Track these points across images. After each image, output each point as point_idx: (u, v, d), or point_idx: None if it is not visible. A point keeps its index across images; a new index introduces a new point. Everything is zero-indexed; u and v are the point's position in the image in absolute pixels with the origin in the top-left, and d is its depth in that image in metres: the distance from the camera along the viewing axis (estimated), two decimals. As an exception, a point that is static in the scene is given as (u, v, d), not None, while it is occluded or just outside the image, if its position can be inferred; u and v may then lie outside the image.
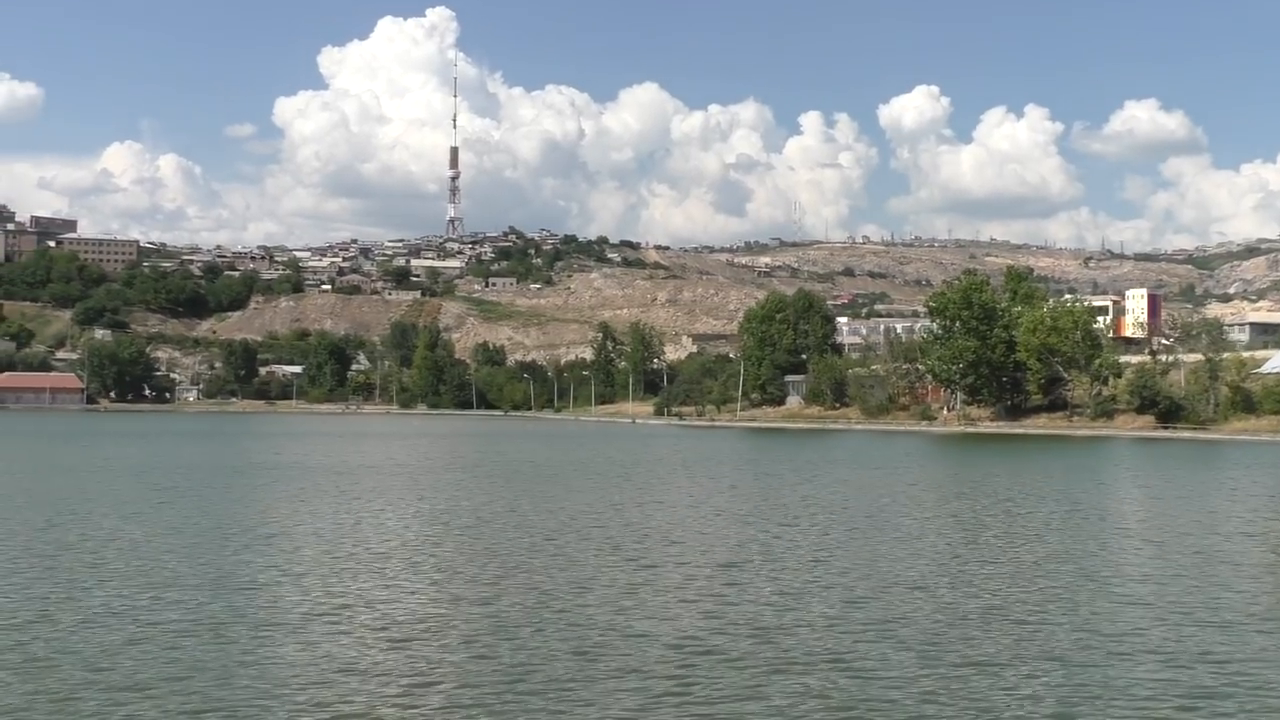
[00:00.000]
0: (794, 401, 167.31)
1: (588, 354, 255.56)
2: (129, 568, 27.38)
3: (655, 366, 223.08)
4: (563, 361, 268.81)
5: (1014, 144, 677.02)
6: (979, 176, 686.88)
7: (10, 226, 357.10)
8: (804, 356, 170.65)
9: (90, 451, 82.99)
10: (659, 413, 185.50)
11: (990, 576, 26.66)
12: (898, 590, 24.90)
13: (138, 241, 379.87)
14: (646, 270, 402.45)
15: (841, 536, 34.06)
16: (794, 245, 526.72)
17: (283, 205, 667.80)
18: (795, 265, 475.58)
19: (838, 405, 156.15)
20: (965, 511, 41.29)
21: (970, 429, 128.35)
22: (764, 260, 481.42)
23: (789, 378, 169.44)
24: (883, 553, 30.37)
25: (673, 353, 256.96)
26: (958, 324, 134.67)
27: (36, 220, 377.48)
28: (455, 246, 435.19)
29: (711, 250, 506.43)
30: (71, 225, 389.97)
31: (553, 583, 25.75)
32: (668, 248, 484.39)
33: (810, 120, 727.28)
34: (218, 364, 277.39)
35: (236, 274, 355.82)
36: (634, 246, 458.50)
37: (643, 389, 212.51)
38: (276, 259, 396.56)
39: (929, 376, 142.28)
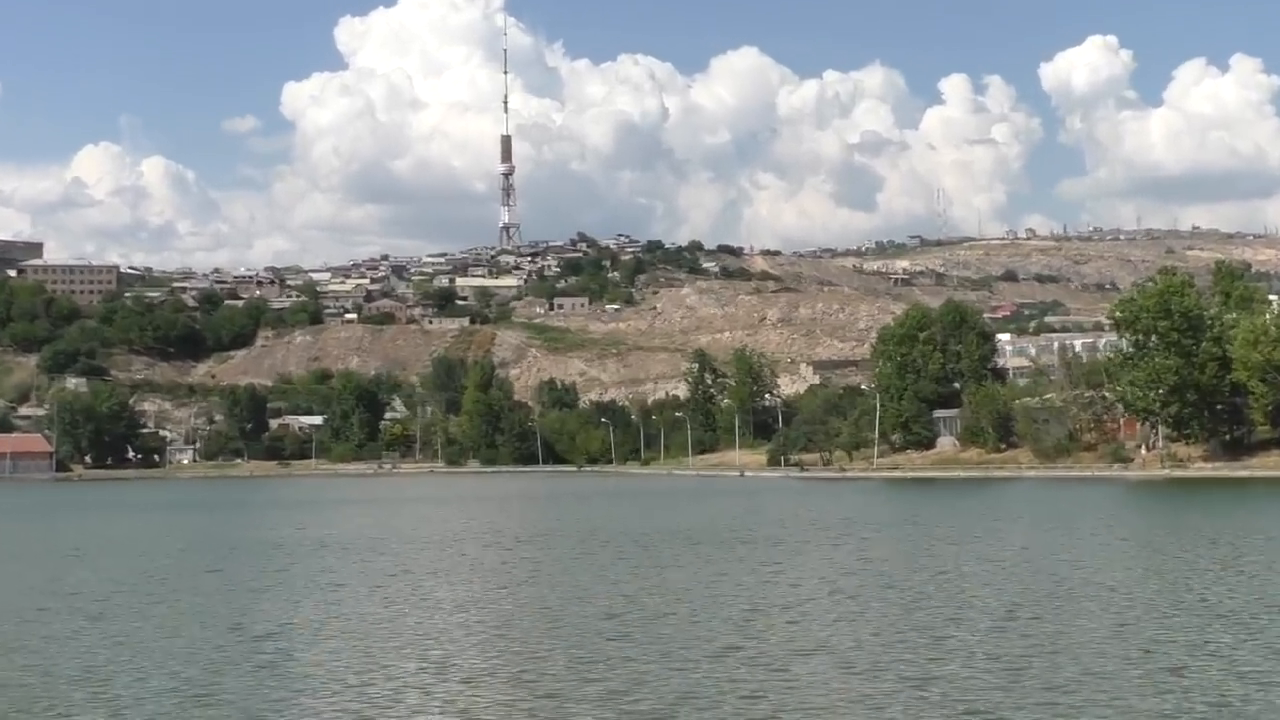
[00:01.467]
0: (946, 443, 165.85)
1: (681, 390, 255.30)
2: None
3: (767, 403, 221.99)
4: (650, 401, 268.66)
5: (1218, 105, 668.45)
6: (1173, 149, 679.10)
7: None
8: (957, 385, 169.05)
9: (57, 533, 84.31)
10: (774, 462, 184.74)
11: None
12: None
13: (118, 267, 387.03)
14: (752, 282, 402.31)
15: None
16: (938, 244, 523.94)
17: (295, 216, 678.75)
18: (941, 269, 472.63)
19: (1003, 446, 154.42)
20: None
21: (1178, 472, 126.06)
22: (901, 265, 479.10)
23: (938, 413, 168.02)
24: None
25: (789, 385, 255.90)
26: (1154, 338, 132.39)
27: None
28: (511, 260, 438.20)
29: (834, 254, 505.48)
30: (36, 249, 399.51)
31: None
32: (778, 253, 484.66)
33: (954, 86, 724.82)
34: (218, 417, 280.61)
35: (240, 303, 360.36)
36: (735, 253, 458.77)
37: (752, 432, 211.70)
38: (289, 283, 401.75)
39: (1120, 406, 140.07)
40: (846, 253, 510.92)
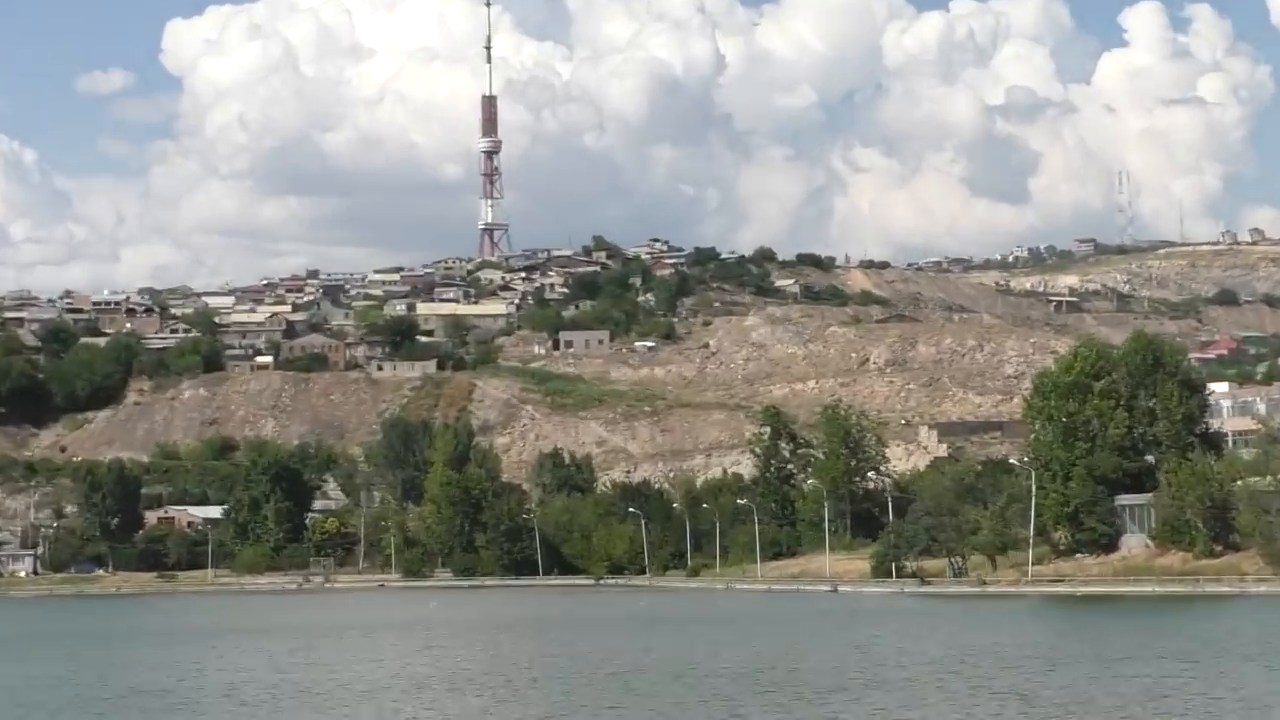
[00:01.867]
0: (1134, 543, 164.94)
1: (745, 467, 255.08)
2: None
3: (871, 486, 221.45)
4: (700, 482, 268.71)
5: None
6: None
7: None
8: (1150, 459, 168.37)
9: None
10: (881, 571, 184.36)
11: None
12: None
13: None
14: (848, 308, 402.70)
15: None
16: (1121, 252, 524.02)
17: (183, 214, 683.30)
18: (1126, 289, 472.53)
19: (1218, 548, 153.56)
20: None
21: None
22: (1066, 282, 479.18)
23: (1122, 500, 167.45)
24: None
25: (903, 459, 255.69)
26: None
27: None
28: (497, 277, 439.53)
29: (967, 266, 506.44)
30: None
31: None
32: (885, 265, 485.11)
33: (1141, 19, 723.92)
34: (70, 508, 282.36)
35: (102, 342, 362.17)
36: (823, 266, 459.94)
37: (848, 527, 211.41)
38: (174, 311, 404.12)
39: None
40: (986, 264, 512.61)
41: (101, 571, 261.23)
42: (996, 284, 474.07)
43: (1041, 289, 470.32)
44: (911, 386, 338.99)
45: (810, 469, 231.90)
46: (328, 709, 60.52)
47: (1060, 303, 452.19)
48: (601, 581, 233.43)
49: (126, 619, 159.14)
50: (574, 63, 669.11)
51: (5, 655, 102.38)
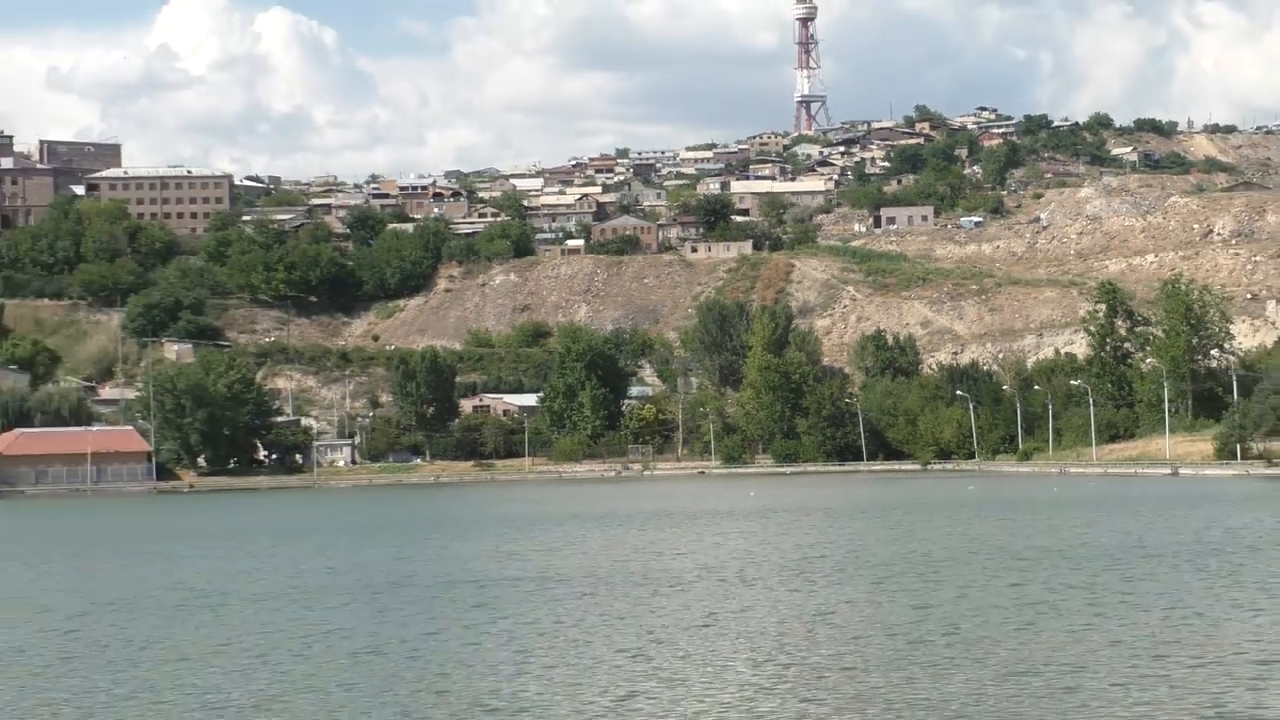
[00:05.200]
0: None
1: (1080, 347, 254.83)
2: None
3: (1215, 364, 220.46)
4: (1031, 363, 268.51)
5: None
6: None
7: (7, 162, 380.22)
8: None
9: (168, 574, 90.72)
10: (1224, 453, 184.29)
11: None
12: None
13: (230, 177, 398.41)
14: (1192, 175, 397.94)
15: None
16: None
17: (486, 93, 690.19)
18: None
19: None
20: None
21: None
22: None
23: None
24: None
25: (1251, 336, 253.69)
26: None
27: (51, 149, 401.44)
28: (816, 153, 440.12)
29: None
30: (112, 153, 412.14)
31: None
32: (1232, 129, 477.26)
33: None
34: (385, 397, 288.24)
35: (410, 228, 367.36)
36: (1164, 131, 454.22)
37: (1190, 408, 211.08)
38: (482, 195, 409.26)
39: None
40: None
41: (419, 460, 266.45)
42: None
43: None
44: (1259, 259, 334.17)
45: (1149, 347, 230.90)
46: (660, 593, 64.19)
47: None
48: (928, 467, 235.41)
49: (452, 507, 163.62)
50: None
51: (347, 541, 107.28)
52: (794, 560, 77.42)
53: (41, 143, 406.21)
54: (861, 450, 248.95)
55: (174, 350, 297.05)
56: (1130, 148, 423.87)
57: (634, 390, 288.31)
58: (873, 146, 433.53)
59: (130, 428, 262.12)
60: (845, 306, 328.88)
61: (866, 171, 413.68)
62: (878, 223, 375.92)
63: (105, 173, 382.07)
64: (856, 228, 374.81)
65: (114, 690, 41.44)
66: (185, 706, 38.39)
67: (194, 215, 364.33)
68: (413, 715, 35.88)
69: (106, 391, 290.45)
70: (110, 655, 48.86)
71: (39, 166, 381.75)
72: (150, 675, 43.92)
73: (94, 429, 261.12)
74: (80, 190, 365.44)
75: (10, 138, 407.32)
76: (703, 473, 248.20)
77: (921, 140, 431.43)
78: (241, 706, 38.16)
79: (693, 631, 49.87)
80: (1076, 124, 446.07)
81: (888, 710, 35.07)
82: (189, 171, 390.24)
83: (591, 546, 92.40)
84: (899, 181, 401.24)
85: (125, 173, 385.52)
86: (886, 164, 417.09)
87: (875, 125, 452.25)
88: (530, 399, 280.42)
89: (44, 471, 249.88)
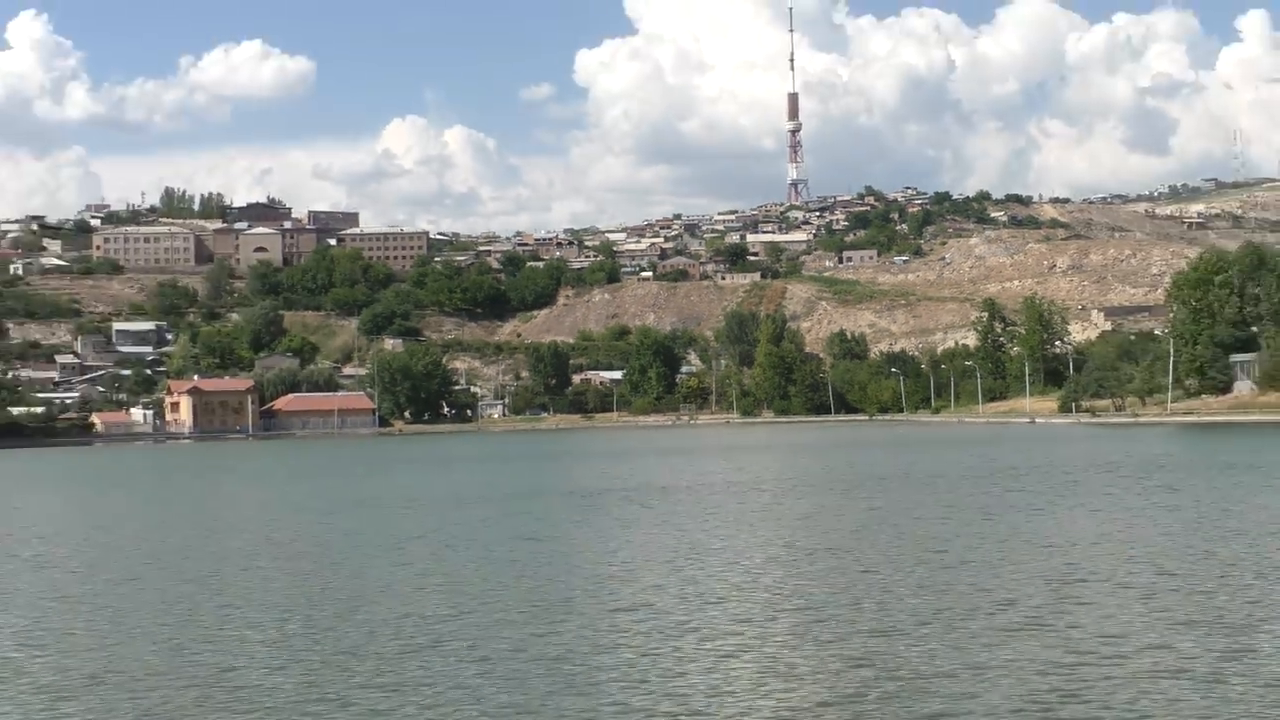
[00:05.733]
0: (1243, 388, 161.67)
1: (971, 339, 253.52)
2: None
3: (1058, 351, 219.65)
4: (939, 350, 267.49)
5: None
6: None
7: (287, 225, 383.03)
8: (1255, 330, 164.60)
9: (416, 479, 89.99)
10: (1064, 409, 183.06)
11: None
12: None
13: (427, 233, 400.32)
14: (1041, 230, 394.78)
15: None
16: (1235, 186, 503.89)
17: (590, 178, 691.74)
18: (1238, 212, 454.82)
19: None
20: None
21: None
22: (1195, 209, 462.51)
23: (1235, 358, 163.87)
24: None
25: (1080, 332, 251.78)
26: None
27: (314, 216, 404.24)
28: (800, 216, 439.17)
29: (1125, 200, 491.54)
30: (353, 218, 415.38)
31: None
32: (1067, 200, 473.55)
33: (1253, 23, 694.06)
34: (524, 373, 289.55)
35: (541, 264, 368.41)
36: (1024, 202, 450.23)
37: (1043, 380, 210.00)
38: (587, 244, 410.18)
39: None
40: (1139, 198, 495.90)
41: (545, 414, 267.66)
42: (1146, 212, 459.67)
43: (1178, 214, 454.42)
44: (1086, 284, 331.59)
45: (1015, 340, 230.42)
46: (705, 501, 63.06)
47: (1191, 224, 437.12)
48: (874, 418, 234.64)
49: (568, 445, 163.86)
50: (850, 69, 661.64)
51: (502, 468, 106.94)
52: (789, 478, 76.18)
53: (309, 212, 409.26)
54: (830, 407, 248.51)
55: (390, 343, 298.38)
56: (1002, 212, 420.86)
57: (684, 369, 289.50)
58: (838, 212, 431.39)
59: (362, 393, 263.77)
60: (820, 314, 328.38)
61: (834, 228, 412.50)
62: (841, 260, 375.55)
63: (348, 231, 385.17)
64: (827, 264, 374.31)
65: (355, 557, 40.20)
66: (392, 568, 37.08)
67: (404, 257, 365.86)
68: (547, 578, 34.35)
69: (347, 370, 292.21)
70: (356, 540, 47.46)
71: (307, 227, 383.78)
72: (373, 551, 42.54)
73: (339, 394, 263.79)
74: (333, 242, 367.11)
75: (289, 209, 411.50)
76: (728, 422, 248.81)
77: (868, 208, 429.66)
78: (434, 570, 36.78)
79: (724, 523, 48.38)
80: (968, 197, 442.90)
81: (846, 565, 33.62)
82: (401, 230, 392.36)
83: (659, 468, 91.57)
84: (854, 234, 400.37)
85: (361, 231, 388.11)
86: (846, 223, 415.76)
87: (839, 198, 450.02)
88: (617, 374, 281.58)
89: (307, 421, 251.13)
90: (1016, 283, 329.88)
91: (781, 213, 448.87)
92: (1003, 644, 24.51)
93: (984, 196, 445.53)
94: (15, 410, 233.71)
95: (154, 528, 56.83)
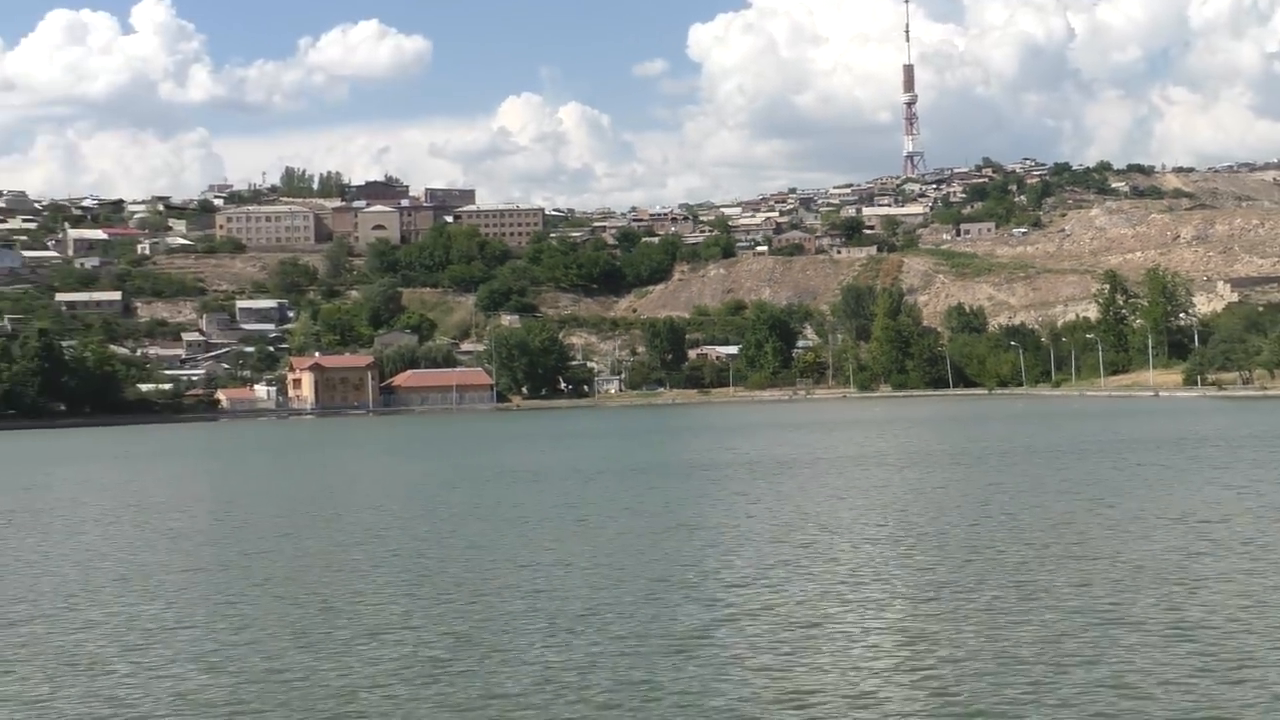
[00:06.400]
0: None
1: (1091, 312, 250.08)
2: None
3: (1182, 323, 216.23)
4: (1059, 323, 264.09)
5: None
6: None
7: (404, 202, 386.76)
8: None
9: (536, 456, 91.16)
10: (1189, 382, 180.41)
11: None
12: None
13: (543, 209, 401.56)
14: (1164, 200, 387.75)
15: None
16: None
17: (705, 153, 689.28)
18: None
19: None
20: None
21: None
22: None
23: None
24: None
25: (1205, 304, 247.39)
26: None
27: (431, 194, 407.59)
28: (916, 189, 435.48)
29: (1253, 168, 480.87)
30: (469, 196, 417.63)
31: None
32: (1191, 169, 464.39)
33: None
34: (640, 348, 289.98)
35: (655, 240, 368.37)
36: (1146, 171, 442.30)
37: (1166, 353, 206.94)
38: (701, 219, 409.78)
39: None
40: (1266, 166, 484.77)
41: (661, 389, 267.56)
42: (1274, 180, 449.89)
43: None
44: (1211, 255, 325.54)
45: (1137, 313, 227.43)
46: (827, 475, 63.31)
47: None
48: (992, 392, 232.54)
49: (683, 419, 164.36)
50: (966, 39, 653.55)
51: (620, 443, 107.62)
52: (910, 451, 76.17)
53: (426, 190, 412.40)
54: (948, 381, 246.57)
55: (507, 319, 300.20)
56: (1124, 182, 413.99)
57: (800, 343, 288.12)
58: (955, 184, 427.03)
59: (480, 369, 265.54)
60: (937, 288, 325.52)
61: (950, 201, 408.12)
62: (958, 233, 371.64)
63: (465, 208, 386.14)
64: (944, 237, 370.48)
65: (478, 528, 41.24)
66: (522, 543, 38.00)
67: (520, 234, 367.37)
68: (673, 553, 35.06)
69: (465, 346, 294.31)
70: (479, 511, 48.53)
71: (424, 205, 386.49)
72: (501, 525, 43.53)
73: (457, 370, 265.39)
74: (450, 219, 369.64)
75: (406, 187, 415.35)
76: (845, 396, 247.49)
77: (986, 180, 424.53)
78: (565, 533, 37.62)
79: (847, 497, 48.75)
80: (1088, 167, 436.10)
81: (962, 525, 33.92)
82: (517, 207, 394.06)
83: (778, 443, 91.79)
84: (972, 206, 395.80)
85: (478, 208, 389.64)
86: (963, 195, 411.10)
87: (956, 170, 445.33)
88: (733, 349, 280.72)
89: (426, 397, 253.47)
90: (1139, 254, 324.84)
91: (897, 186, 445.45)
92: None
93: (1105, 167, 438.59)
94: (144, 387, 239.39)
95: (303, 500, 58.37)
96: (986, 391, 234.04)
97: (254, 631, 26.83)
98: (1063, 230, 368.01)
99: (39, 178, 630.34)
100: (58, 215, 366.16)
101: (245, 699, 21.59)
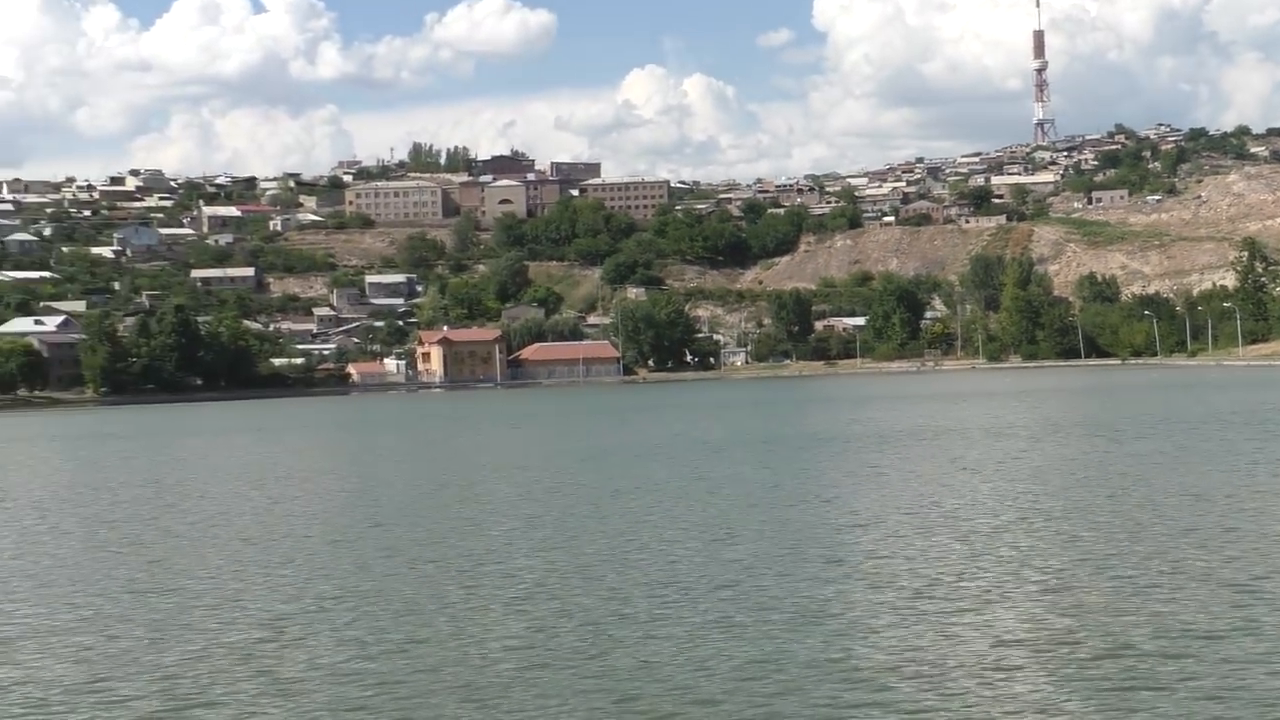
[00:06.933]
0: None
1: (1229, 280, 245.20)
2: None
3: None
4: (1195, 292, 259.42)
5: None
6: None
7: (530, 176, 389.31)
8: None
9: (662, 427, 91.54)
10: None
11: None
12: None
13: (667, 182, 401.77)
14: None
15: None
16: None
17: (830, 124, 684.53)
18: None
19: None
20: None
21: None
22: None
23: None
24: None
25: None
26: None
27: (557, 167, 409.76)
28: (1046, 156, 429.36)
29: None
30: (594, 169, 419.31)
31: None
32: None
33: None
34: (766, 320, 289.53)
35: (781, 211, 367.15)
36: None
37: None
38: (827, 189, 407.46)
39: None
40: None
41: (788, 361, 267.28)
42: None
43: None
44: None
45: (1278, 281, 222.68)
46: (946, 444, 62.84)
47: None
48: (1126, 362, 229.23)
49: (810, 391, 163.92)
50: (1099, 2, 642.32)
51: (746, 413, 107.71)
52: (1043, 422, 75.34)
53: (551, 164, 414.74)
54: (1080, 351, 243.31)
55: (633, 292, 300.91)
56: (1263, 147, 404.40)
57: (928, 314, 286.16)
58: (1086, 151, 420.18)
59: (606, 342, 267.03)
60: (1068, 257, 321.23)
61: (1082, 169, 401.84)
62: (1090, 201, 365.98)
63: (590, 181, 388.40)
64: (1075, 205, 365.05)
65: (609, 499, 41.55)
66: (657, 511, 38.21)
67: (645, 207, 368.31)
68: (803, 524, 35.06)
69: (591, 319, 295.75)
70: (609, 485, 48.82)
71: (550, 178, 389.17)
72: (635, 495, 43.76)
73: (583, 343, 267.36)
74: (575, 193, 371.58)
75: (533, 161, 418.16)
76: (974, 367, 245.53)
77: (1119, 146, 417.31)
78: (703, 505, 37.75)
79: (982, 466, 48.35)
80: (1225, 132, 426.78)
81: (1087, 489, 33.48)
82: (642, 179, 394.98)
83: (907, 414, 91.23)
84: (1104, 174, 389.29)
85: (603, 181, 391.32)
86: (1095, 163, 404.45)
87: (1088, 137, 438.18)
88: (859, 321, 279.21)
89: (552, 370, 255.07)
90: (1278, 221, 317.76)
91: (1027, 154, 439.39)
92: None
93: (1243, 131, 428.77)
94: (277, 362, 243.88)
95: (443, 470, 59.20)
96: (1120, 362, 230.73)
97: (400, 602, 27.26)
98: (1199, 197, 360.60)
99: (175, 156, 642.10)
100: (193, 193, 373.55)
101: (392, 669, 21.93)
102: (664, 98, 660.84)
